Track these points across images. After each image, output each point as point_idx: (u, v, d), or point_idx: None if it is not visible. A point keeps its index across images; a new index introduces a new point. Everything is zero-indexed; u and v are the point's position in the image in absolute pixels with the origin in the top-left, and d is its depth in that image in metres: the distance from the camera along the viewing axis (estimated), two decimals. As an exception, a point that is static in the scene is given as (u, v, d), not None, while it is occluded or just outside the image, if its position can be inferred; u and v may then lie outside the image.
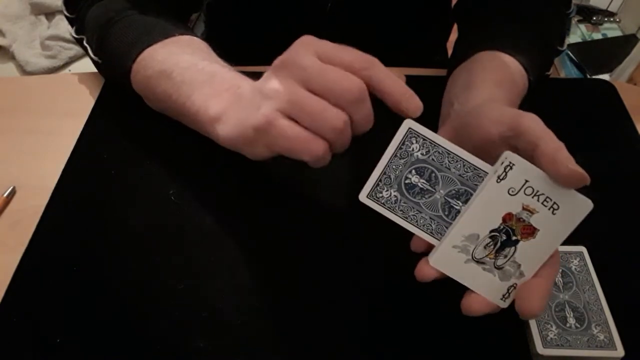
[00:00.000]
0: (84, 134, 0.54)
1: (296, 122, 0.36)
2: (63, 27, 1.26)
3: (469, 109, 0.42)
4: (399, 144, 0.35)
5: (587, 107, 0.60)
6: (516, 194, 0.34)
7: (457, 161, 0.35)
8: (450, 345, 0.40)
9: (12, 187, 0.50)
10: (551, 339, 0.39)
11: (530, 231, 0.34)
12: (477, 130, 0.38)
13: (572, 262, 0.43)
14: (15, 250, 0.45)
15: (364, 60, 0.35)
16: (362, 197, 0.36)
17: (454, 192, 0.36)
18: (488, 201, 0.34)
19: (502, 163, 0.34)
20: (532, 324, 0.39)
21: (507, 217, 0.34)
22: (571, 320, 0.40)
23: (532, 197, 0.34)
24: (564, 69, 1.61)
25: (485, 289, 0.36)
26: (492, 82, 0.46)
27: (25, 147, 0.54)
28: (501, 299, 0.36)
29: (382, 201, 0.36)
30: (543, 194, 0.34)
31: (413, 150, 0.35)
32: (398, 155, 0.35)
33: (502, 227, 0.35)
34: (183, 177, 0.50)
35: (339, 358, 0.40)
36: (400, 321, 0.42)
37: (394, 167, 0.35)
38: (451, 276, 0.36)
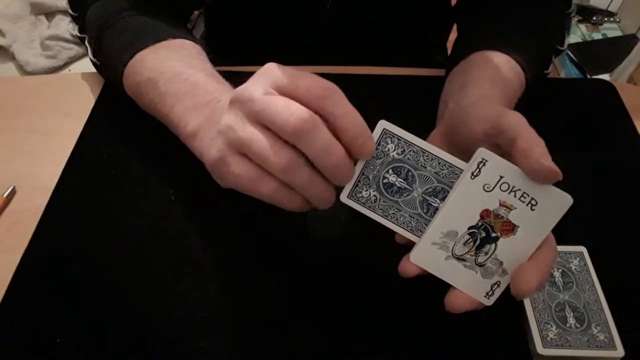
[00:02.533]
0: (84, 134, 0.54)
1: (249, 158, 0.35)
2: (63, 27, 1.26)
3: (461, 108, 0.42)
4: (375, 144, 0.35)
5: (587, 107, 0.60)
6: (492, 190, 0.34)
7: (432, 159, 0.35)
8: (450, 345, 0.40)
9: (12, 187, 0.50)
10: (551, 339, 0.39)
11: (510, 227, 0.35)
12: (464, 129, 0.38)
13: (572, 262, 0.43)
14: (15, 250, 0.45)
15: (320, 88, 0.33)
16: (343, 197, 0.37)
17: (431, 189, 0.36)
18: (464, 198, 0.35)
19: (475, 159, 0.34)
20: (532, 324, 0.39)
21: (485, 214, 0.35)
22: (571, 320, 0.40)
23: (509, 193, 0.34)
24: (564, 69, 1.61)
25: (467, 286, 0.36)
26: (486, 81, 0.46)
27: (25, 147, 0.54)
28: (485, 297, 0.36)
29: (362, 201, 0.37)
30: (519, 189, 0.34)
31: (389, 150, 0.35)
32: (375, 155, 0.36)
33: (480, 223, 0.35)
34: (183, 177, 0.50)
35: (338, 357, 0.40)
36: (399, 321, 0.42)
37: (371, 167, 0.36)
38: (432, 272, 0.36)
